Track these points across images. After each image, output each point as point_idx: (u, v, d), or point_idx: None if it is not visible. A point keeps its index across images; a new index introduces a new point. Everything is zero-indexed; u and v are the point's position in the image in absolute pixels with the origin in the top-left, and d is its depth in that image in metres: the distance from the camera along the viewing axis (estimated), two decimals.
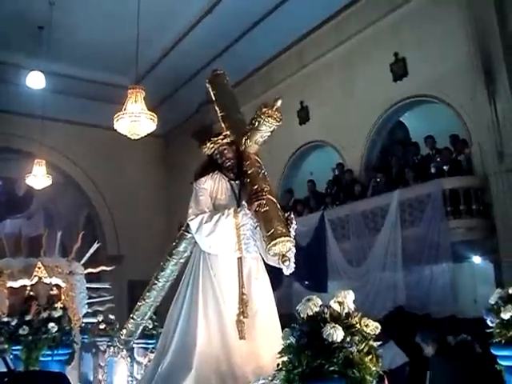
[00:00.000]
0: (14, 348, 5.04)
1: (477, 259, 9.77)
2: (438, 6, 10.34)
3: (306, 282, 10.54)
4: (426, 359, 6.28)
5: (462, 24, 9.65)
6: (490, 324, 3.77)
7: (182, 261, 4.41)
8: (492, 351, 3.79)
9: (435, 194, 9.26)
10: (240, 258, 3.90)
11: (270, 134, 3.89)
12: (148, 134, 8.34)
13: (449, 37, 9.99)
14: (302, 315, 2.59)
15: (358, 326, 2.55)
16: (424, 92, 10.56)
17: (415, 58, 10.73)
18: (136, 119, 7.81)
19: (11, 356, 4.86)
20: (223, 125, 4.36)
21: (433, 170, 9.83)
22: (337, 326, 2.48)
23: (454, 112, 10.08)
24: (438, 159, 9.88)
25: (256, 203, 3.73)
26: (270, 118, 3.74)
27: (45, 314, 5.27)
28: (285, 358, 2.58)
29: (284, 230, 3.60)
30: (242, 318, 3.75)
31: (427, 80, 10.32)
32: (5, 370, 4.32)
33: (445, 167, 9.65)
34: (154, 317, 5.62)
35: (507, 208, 8.75)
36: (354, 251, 10.46)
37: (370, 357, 2.52)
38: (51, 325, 5.16)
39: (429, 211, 9.27)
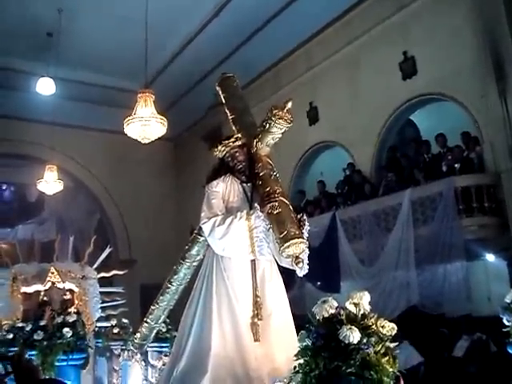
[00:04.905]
0: (29, 353, 5.04)
1: (490, 257, 9.69)
2: (446, 3, 10.28)
3: (319, 283, 10.51)
4: (441, 359, 6.25)
5: (471, 20, 9.59)
6: (506, 323, 3.74)
7: (195, 264, 4.39)
8: (508, 350, 3.76)
9: (447, 192, 9.21)
10: (253, 261, 3.88)
11: (280, 135, 3.89)
12: (158, 138, 8.36)
13: (458, 34, 9.92)
14: (317, 317, 2.58)
15: (374, 327, 2.54)
16: (434, 90, 10.50)
17: (424, 56, 10.68)
18: (146, 123, 7.83)
19: None
20: (234, 127, 4.36)
21: (444, 168, 9.77)
22: (353, 327, 2.47)
23: (464, 110, 10.02)
24: (450, 157, 9.82)
25: (268, 205, 3.71)
26: (280, 120, 3.73)
27: (59, 319, 5.29)
28: (301, 361, 2.57)
29: (297, 232, 3.58)
30: (256, 320, 3.74)
31: (437, 78, 10.26)
32: None
33: (456, 165, 9.60)
34: (168, 320, 5.61)
35: None
36: (367, 251, 10.43)
37: (386, 358, 2.51)
38: (66, 330, 5.18)
39: (441, 210, 9.23)
